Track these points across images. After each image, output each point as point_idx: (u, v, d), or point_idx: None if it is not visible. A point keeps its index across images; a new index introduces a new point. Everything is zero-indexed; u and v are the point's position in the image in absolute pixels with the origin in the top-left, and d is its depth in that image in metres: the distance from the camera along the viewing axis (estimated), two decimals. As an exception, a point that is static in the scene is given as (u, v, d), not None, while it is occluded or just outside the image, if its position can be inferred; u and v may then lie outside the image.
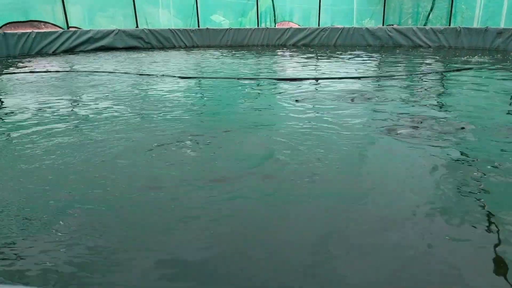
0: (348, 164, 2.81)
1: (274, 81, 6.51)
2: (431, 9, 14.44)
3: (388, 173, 2.66)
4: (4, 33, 10.94)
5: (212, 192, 2.34)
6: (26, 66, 8.84)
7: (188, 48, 14.20)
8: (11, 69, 8.38)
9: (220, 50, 12.95)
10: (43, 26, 13.90)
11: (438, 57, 10.30)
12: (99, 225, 1.98)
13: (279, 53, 12.09)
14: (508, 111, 4.40)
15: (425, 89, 5.61)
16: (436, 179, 2.50)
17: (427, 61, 9.29)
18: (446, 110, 4.33)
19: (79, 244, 1.81)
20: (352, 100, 4.78)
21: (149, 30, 13.88)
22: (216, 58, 10.43)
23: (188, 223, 2.02)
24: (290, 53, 11.84)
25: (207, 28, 14.95)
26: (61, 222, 2.00)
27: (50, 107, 4.63)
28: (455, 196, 2.27)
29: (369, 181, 2.54)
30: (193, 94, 5.68)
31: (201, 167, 2.75)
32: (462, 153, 2.96)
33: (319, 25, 15.63)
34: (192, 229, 1.96)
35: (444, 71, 7.60)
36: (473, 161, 2.81)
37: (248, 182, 2.49)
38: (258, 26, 16.06)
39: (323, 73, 7.58)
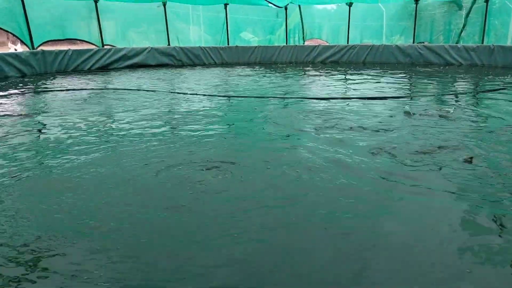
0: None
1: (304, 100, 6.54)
2: (464, 26, 14.24)
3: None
4: (42, 50, 11.41)
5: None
6: (62, 83, 9.17)
7: (217, 65, 14.42)
8: (48, 86, 8.72)
9: (249, 68, 13.09)
10: (79, 43, 14.44)
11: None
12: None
13: (309, 71, 12.11)
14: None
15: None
16: None
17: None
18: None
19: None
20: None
21: (180, 48, 14.19)
22: (244, 76, 10.55)
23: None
24: (323, 71, 11.85)
25: (236, 46, 15.17)
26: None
27: (83, 124, 4.79)
28: None
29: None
30: (220, 113, 5.75)
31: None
32: None
33: (348, 42, 15.62)
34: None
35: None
36: None
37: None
38: (286, 43, 16.19)
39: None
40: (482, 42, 13.43)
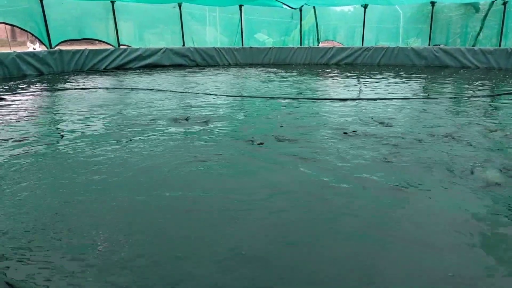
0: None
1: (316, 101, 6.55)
2: (481, 29, 14.05)
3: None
4: (60, 50, 11.64)
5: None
6: (79, 82, 9.36)
7: (231, 66, 14.50)
8: (67, 85, 8.91)
9: (263, 68, 13.13)
10: (96, 43, 14.69)
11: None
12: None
13: (325, 72, 12.09)
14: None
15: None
16: None
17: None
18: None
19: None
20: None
21: (195, 48, 14.32)
22: (257, 76, 10.59)
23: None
24: (338, 73, 11.82)
25: (251, 47, 15.24)
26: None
27: (94, 121, 4.90)
28: None
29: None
30: (233, 115, 5.80)
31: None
32: None
33: (362, 44, 15.53)
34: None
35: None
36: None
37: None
38: (301, 45, 16.19)
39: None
40: (500, 45, 13.23)
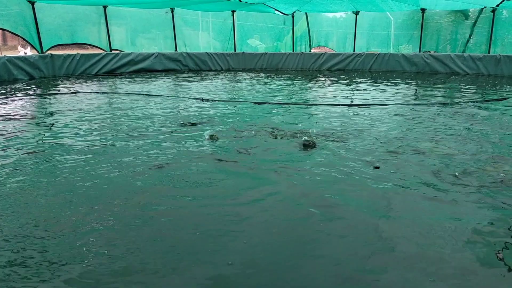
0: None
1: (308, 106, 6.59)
2: (470, 36, 14.21)
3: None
4: (51, 54, 11.61)
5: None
6: (69, 87, 9.34)
7: (224, 71, 14.54)
8: (56, 90, 8.88)
9: (255, 74, 13.18)
10: (88, 47, 14.66)
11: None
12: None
13: (318, 78, 12.17)
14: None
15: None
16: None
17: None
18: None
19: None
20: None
21: (187, 53, 14.35)
22: (249, 81, 10.63)
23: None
24: (328, 79, 11.90)
25: (243, 52, 15.29)
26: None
27: (83, 127, 4.90)
28: None
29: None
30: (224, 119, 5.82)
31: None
32: None
33: (354, 50, 15.65)
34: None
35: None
36: None
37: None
38: (293, 50, 16.27)
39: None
40: (489, 52, 13.39)
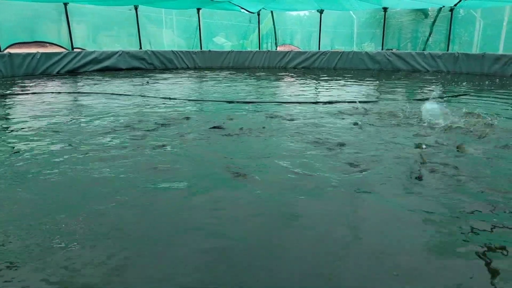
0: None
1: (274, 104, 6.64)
2: (430, 34, 14.68)
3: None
4: (9, 53, 11.16)
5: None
6: (28, 87, 9.01)
7: (190, 69, 14.42)
8: (15, 90, 8.55)
9: (222, 72, 13.14)
10: (48, 46, 14.17)
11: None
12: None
13: (282, 76, 12.25)
14: None
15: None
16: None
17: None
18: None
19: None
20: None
21: (152, 52, 14.13)
22: (216, 80, 10.60)
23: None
24: (293, 76, 12.01)
25: (209, 50, 15.22)
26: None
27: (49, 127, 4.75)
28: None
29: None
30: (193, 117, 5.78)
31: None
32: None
33: (319, 48, 15.87)
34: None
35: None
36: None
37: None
38: (259, 48, 16.33)
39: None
40: (448, 50, 13.89)
